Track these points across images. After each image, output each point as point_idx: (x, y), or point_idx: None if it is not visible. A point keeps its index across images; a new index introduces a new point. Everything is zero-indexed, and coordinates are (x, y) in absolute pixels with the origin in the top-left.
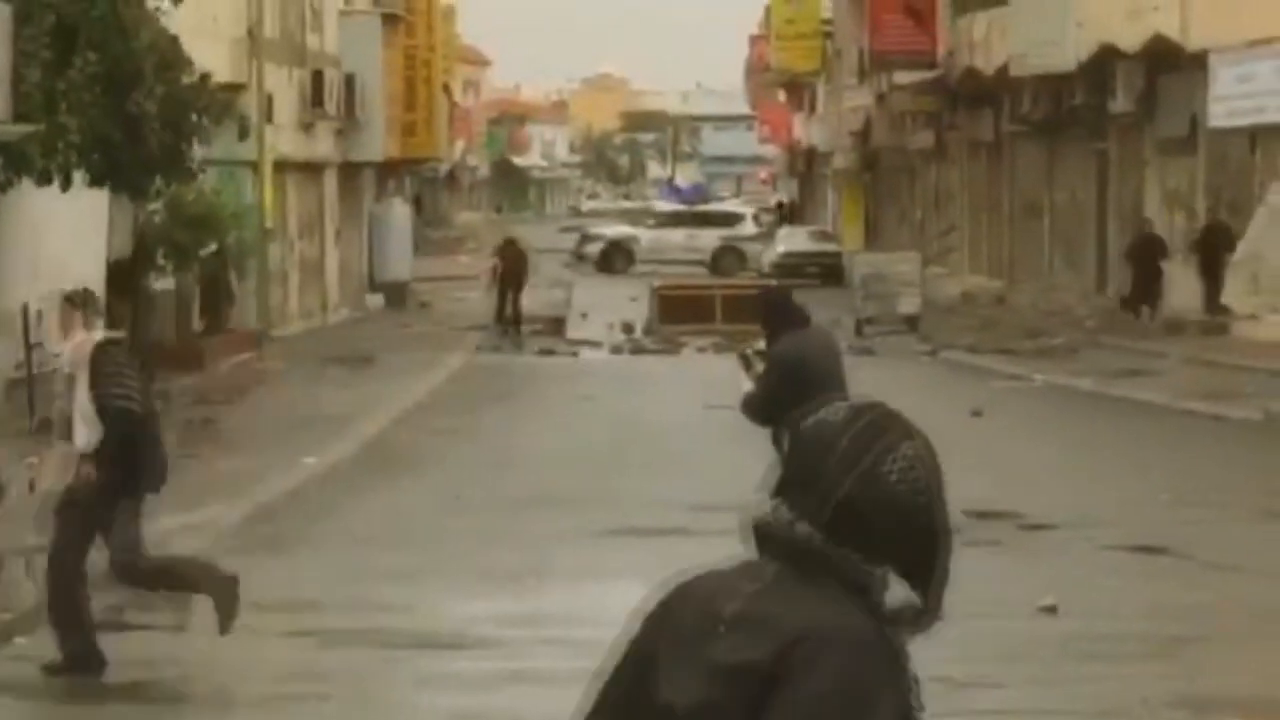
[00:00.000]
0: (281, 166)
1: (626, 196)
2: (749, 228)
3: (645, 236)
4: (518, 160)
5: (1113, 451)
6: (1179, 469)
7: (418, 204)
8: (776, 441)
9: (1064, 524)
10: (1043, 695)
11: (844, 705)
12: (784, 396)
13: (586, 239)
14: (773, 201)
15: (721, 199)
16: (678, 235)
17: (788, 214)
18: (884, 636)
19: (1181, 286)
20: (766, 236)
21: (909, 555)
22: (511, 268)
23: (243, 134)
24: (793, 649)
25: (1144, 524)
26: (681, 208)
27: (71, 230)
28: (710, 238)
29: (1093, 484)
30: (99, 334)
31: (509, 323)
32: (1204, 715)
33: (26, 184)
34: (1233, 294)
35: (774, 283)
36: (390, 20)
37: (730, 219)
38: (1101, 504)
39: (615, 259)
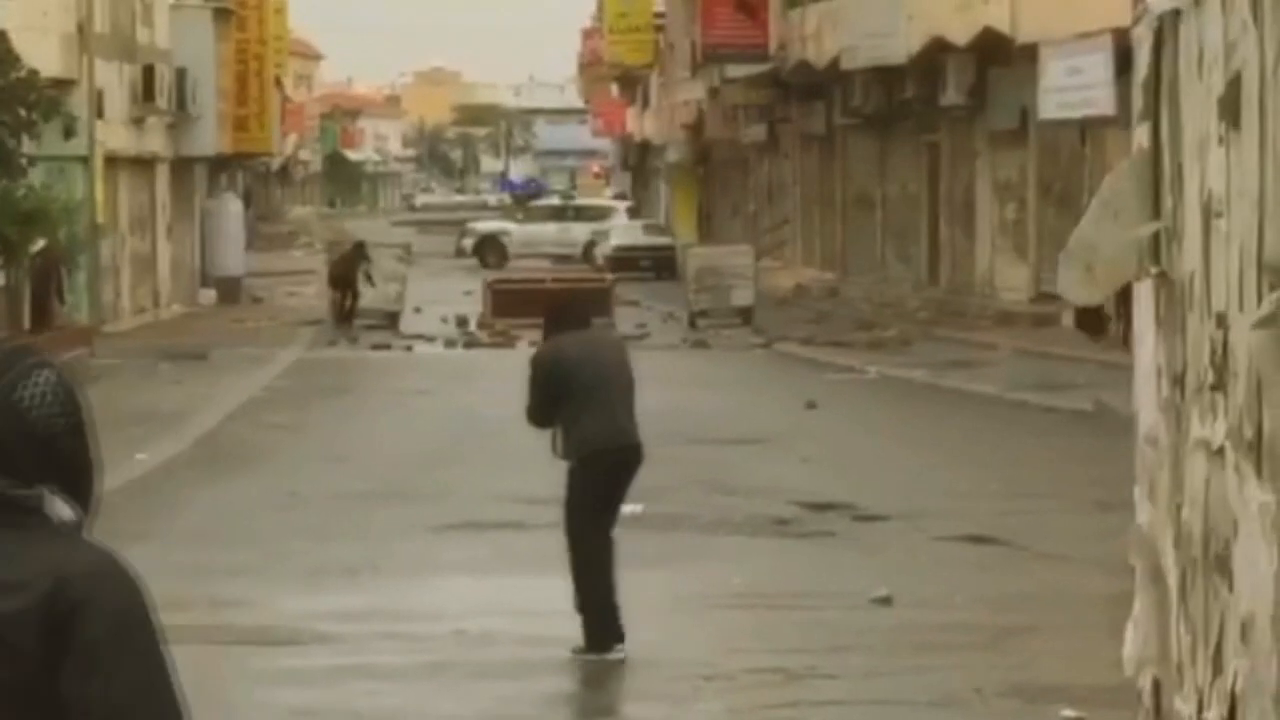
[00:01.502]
0: (112, 162)
1: (460, 190)
2: (620, 220)
3: (517, 231)
4: (350, 154)
5: (945, 443)
6: (1010, 460)
7: (249, 199)
8: (553, 446)
9: (897, 515)
10: (877, 686)
11: (134, 635)
12: (546, 400)
13: (465, 233)
14: (610, 195)
15: (554, 193)
16: (549, 229)
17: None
18: (116, 558)
19: (1010, 277)
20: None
21: (62, 476)
22: (339, 270)
23: (68, 133)
24: (55, 600)
25: (976, 515)
26: (555, 202)
27: None
28: (582, 231)
29: (925, 475)
30: None
31: (344, 318)
32: (1036, 704)
33: None
34: (1066, 284)
35: (609, 276)
36: (222, 14)
37: (601, 212)
38: (934, 495)
39: (488, 253)
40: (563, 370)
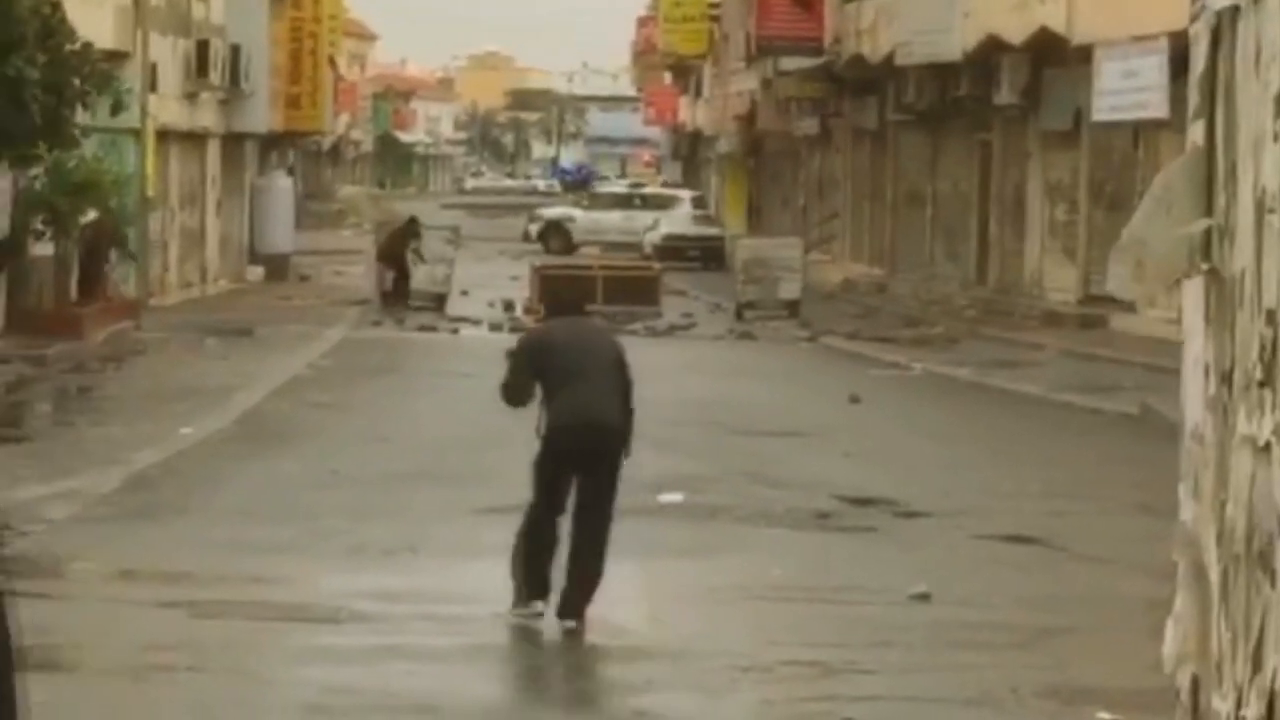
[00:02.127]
0: (164, 136)
1: (511, 175)
2: (685, 209)
3: (581, 217)
4: (402, 136)
5: (989, 441)
6: (1053, 461)
7: (299, 177)
8: (537, 427)
9: (938, 512)
10: (913, 682)
11: (13, 581)
12: (522, 379)
13: (532, 219)
14: (660, 183)
15: (603, 179)
16: (614, 216)
17: None
18: None
19: (1058, 278)
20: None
21: None
22: (389, 246)
23: (116, 109)
24: None
25: (1017, 514)
26: (619, 189)
27: None
28: (645, 219)
29: (968, 473)
30: None
31: (394, 297)
32: (1072, 706)
33: None
34: (1117, 279)
35: (657, 265)
36: None
37: (666, 201)
38: (975, 493)
39: (551, 239)
40: (544, 350)
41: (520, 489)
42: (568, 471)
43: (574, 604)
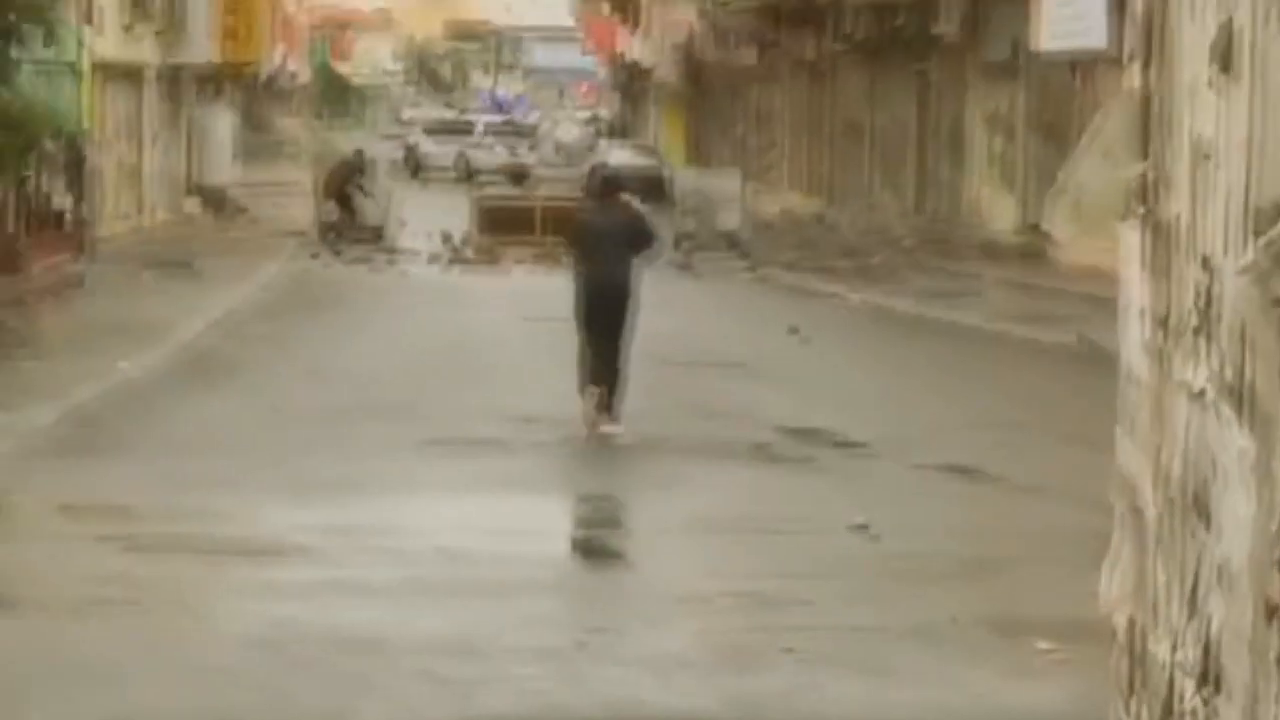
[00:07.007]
0: (101, 69)
1: (449, 106)
2: (475, 138)
3: (423, 144)
4: (340, 68)
5: (927, 372)
6: (992, 391)
7: (238, 109)
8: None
9: (877, 443)
10: (852, 612)
11: None
12: (574, 250)
13: (399, 146)
14: (606, 116)
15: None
16: (440, 143)
17: (610, 129)
18: None
19: (997, 208)
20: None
21: None
22: (334, 179)
23: (48, 41)
24: None
25: (956, 445)
26: (448, 117)
27: None
28: (454, 146)
29: (906, 404)
30: None
31: (328, 230)
32: (1010, 635)
33: None
34: (1054, 221)
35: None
36: None
37: (467, 127)
38: (915, 424)
39: (408, 162)
40: (578, 228)
41: (460, 422)
42: (588, 315)
43: (610, 407)
